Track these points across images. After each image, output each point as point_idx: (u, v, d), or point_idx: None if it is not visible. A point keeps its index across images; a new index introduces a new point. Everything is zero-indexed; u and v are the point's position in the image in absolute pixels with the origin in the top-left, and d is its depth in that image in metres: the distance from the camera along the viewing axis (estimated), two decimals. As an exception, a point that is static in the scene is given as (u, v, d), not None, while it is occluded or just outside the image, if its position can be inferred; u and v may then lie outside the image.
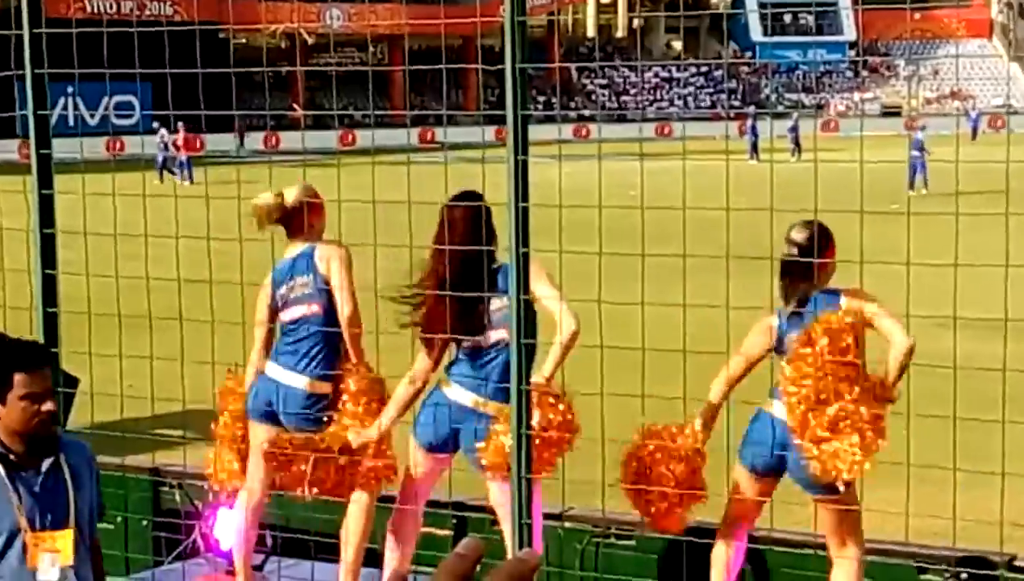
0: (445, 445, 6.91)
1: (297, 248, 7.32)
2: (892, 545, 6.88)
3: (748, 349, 6.64)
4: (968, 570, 6.72)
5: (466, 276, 6.67)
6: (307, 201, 7.27)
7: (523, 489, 6.36)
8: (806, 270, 6.52)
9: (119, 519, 8.54)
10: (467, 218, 6.73)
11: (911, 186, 38.35)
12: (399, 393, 6.96)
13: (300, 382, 7.21)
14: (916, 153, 41.27)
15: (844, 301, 6.42)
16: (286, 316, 7.31)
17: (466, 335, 6.77)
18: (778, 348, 6.59)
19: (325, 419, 7.16)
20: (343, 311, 7.08)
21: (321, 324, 7.19)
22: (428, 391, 6.97)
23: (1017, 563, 6.85)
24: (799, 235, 6.57)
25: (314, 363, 7.21)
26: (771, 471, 6.61)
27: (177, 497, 8.53)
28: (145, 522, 8.52)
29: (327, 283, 7.16)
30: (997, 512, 5.66)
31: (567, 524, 7.60)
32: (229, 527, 7.71)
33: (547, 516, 7.37)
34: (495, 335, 6.74)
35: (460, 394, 6.83)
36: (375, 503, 7.20)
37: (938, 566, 6.64)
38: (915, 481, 5.86)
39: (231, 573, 7.72)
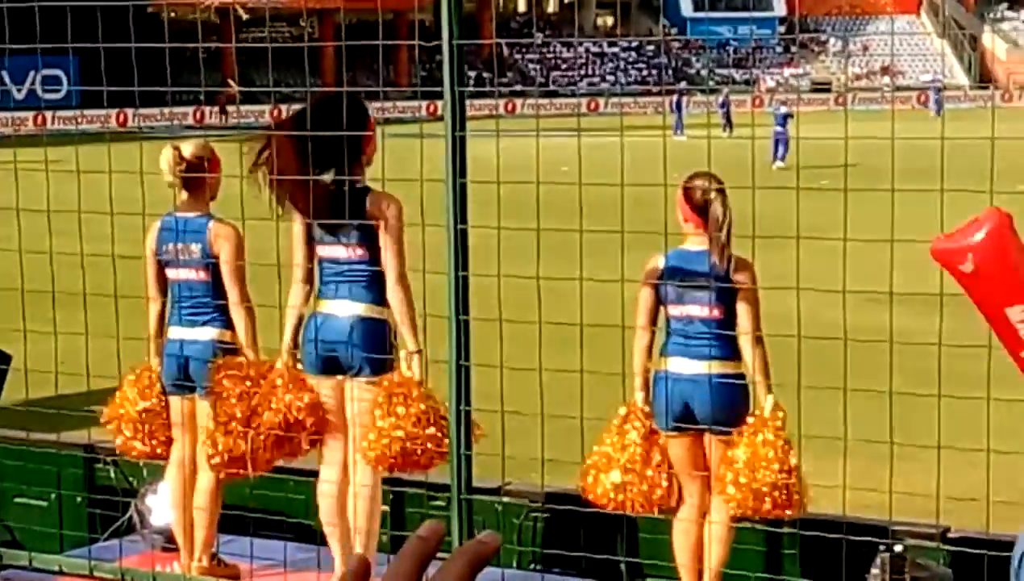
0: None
1: (191, 212, 7.33)
2: (829, 517, 6.93)
3: (645, 310, 6.72)
4: (903, 542, 6.79)
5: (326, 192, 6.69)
6: (205, 156, 7.34)
7: (463, 466, 6.36)
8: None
9: (53, 496, 8.50)
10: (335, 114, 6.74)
11: (775, 160, 38.90)
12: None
13: (206, 334, 7.24)
14: (780, 129, 41.79)
15: (733, 266, 6.61)
16: (173, 274, 7.33)
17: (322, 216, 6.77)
18: (662, 296, 6.68)
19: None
20: (232, 294, 7.13)
21: (209, 290, 7.22)
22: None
23: (951, 535, 6.93)
24: (712, 184, 6.66)
25: (212, 317, 7.26)
26: (688, 421, 6.66)
27: (112, 474, 8.49)
28: (79, 499, 8.47)
29: (216, 258, 7.20)
30: (930, 486, 5.71)
31: (505, 499, 7.62)
32: (164, 503, 7.70)
33: (486, 491, 7.39)
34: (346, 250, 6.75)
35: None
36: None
37: (874, 538, 6.70)
38: (850, 455, 5.91)
39: (168, 550, 7.69)
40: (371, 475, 6.90)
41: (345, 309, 6.80)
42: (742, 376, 6.66)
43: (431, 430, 6.53)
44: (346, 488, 6.96)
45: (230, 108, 59.14)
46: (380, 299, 6.77)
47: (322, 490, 7.05)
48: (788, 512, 6.59)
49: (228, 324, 7.25)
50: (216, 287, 7.24)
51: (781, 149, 40.61)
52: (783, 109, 45.14)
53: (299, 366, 6.98)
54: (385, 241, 6.66)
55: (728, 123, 52.63)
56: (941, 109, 65.63)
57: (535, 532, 7.60)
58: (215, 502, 7.40)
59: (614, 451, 6.66)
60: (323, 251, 6.87)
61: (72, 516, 8.45)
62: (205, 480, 7.36)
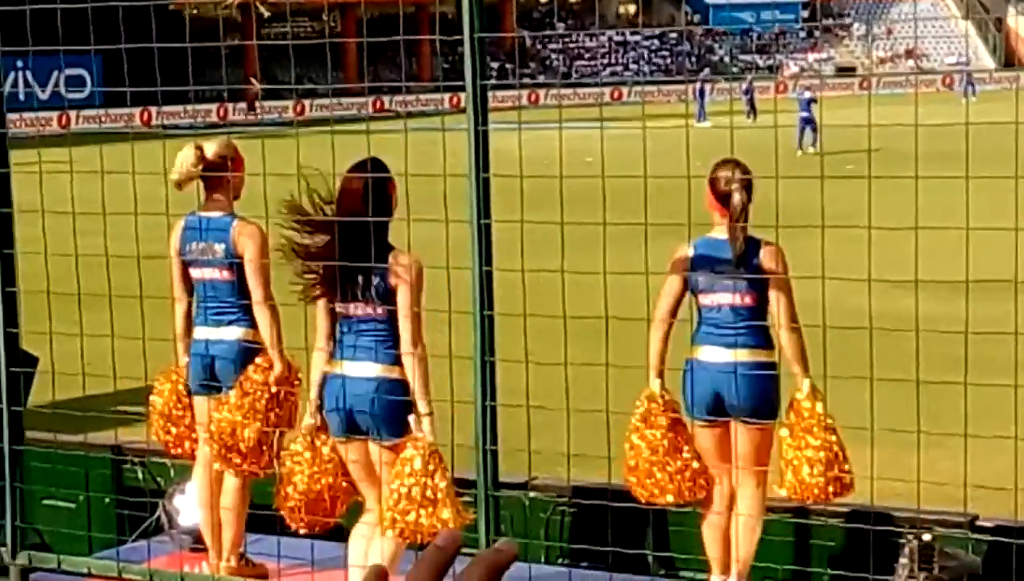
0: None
1: (215, 212, 7.32)
2: (857, 507, 6.91)
3: (670, 296, 6.70)
4: (932, 530, 6.76)
5: (352, 246, 6.64)
6: (228, 155, 7.31)
7: (488, 462, 6.35)
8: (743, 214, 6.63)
9: (81, 497, 8.51)
10: (362, 189, 6.69)
11: (800, 145, 38.65)
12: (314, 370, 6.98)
13: (232, 334, 7.24)
14: (804, 114, 41.58)
15: (762, 254, 6.61)
16: (198, 274, 7.33)
17: (344, 301, 6.75)
18: (692, 285, 6.67)
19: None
20: (255, 294, 7.12)
21: (233, 289, 7.22)
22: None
23: (979, 523, 6.90)
24: (739, 174, 6.64)
25: (238, 317, 7.26)
26: (718, 412, 6.64)
27: (139, 475, 8.50)
28: (107, 500, 8.48)
29: (240, 258, 7.19)
30: (958, 474, 5.68)
31: (532, 493, 7.61)
32: (191, 503, 7.71)
33: (512, 485, 7.38)
34: (365, 308, 6.74)
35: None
36: None
37: (902, 529, 6.67)
38: (878, 444, 5.88)
39: (196, 551, 7.70)
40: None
41: (366, 370, 6.79)
42: (774, 365, 6.63)
43: (446, 513, 6.49)
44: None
45: (257, 104, 59.33)
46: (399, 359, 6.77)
47: (358, 531, 7.03)
48: (839, 495, 6.61)
49: (253, 323, 7.25)
50: (241, 287, 7.23)
51: (810, 134, 40.41)
52: (807, 94, 45.05)
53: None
54: (401, 302, 6.66)
55: (752, 109, 52.53)
56: (975, 91, 65.63)
57: (563, 526, 7.59)
58: (242, 501, 7.40)
59: (641, 446, 6.66)
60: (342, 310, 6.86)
61: (100, 518, 8.47)
62: (232, 480, 7.36)
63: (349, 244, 6.63)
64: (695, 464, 6.69)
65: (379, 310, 6.67)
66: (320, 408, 6.89)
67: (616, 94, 78.83)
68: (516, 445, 6.61)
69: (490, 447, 6.33)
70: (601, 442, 6.39)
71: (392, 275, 6.62)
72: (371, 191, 6.61)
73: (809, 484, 6.51)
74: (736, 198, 6.58)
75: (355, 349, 6.74)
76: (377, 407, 6.65)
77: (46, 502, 8.63)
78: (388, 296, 6.63)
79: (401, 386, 6.67)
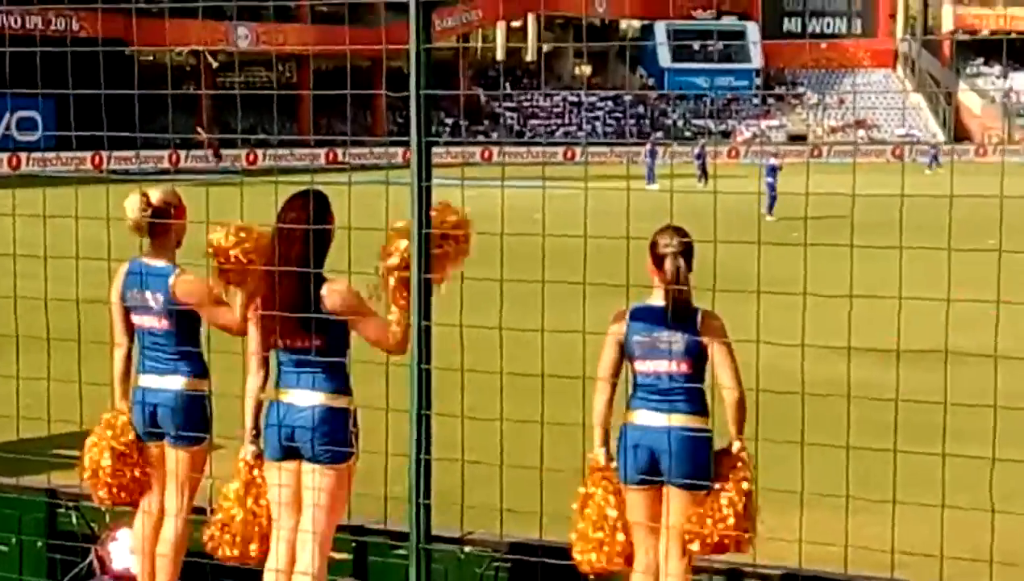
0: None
1: (158, 259, 7.32)
2: (787, 571, 6.94)
3: (608, 365, 6.74)
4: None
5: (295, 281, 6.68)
6: (172, 202, 7.32)
7: (421, 515, 6.35)
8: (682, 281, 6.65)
9: (14, 541, 8.44)
10: (303, 219, 6.72)
11: (769, 211, 39.00)
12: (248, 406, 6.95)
13: (173, 383, 7.23)
14: (769, 180, 42.01)
15: (700, 322, 6.56)
16: (138, 321, 7.32)
17: (291, 352, 6.77)
18: (628, 351, 6.69)
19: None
20: (225, 327, 7.13)
21: (171, 338, 7.23)
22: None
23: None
24: (675, 240, 6.66)
25: (177, 366, 7.26)
26: (651, 474, 6.65)
27: (73, 519, 8.44)
28: (40, 544, 8.42)
29: (180, 304, 7.20)
30: (886, 539, 5.73)
31: (467, 548, 7.60)
32: (124, 549, 7.67)
33: (448, 540, 7.37)
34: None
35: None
36: None
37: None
38: (812, 507, 5.93)
39: (126, 597, 7.66)
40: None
41: (306, 399, 6.79)
42: (708, 431, 6.65)
43: None
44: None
45: (204, 151, 59.20)
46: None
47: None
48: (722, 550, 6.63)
49: (195, 372, 7.24)
50: (180, 335, 7.22)
51: (767, 201, 40.77)
52: (773, 161, 45.40)
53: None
54: (357, 327, 6.69)
55: (703, 173, 52.93)
56: (938, 163, 66.47)
57: (497, 582, 7.58)
58: (179, 551, 7.37)
59: (585, 514, 6.68)
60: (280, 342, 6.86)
61: (32, 562, 8.40)
62: (171, 528, 7.34)
63: (291, 276, 6.65)
64: (620, 536, 6.69)
65: (316, 341, 6.68)
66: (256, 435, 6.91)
67: (569, 154, 79.18)
68: (451, 499, 6.62)
69: (423, 500, 6.34)
70: (536, 498, 6.41)
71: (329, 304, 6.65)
72: (312, 217, 6.66)
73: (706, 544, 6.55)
74: (668, 264, 6.62)
75: (298, 378, 6.76)
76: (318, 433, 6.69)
77: (-23, 545, 8.56)
78: (326, 326, 6.64)
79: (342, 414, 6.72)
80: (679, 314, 6.57)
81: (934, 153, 71.42)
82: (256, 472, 6.93)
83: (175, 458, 7.24)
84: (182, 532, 7.31)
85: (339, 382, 6.74)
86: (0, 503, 8.42)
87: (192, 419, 7.24)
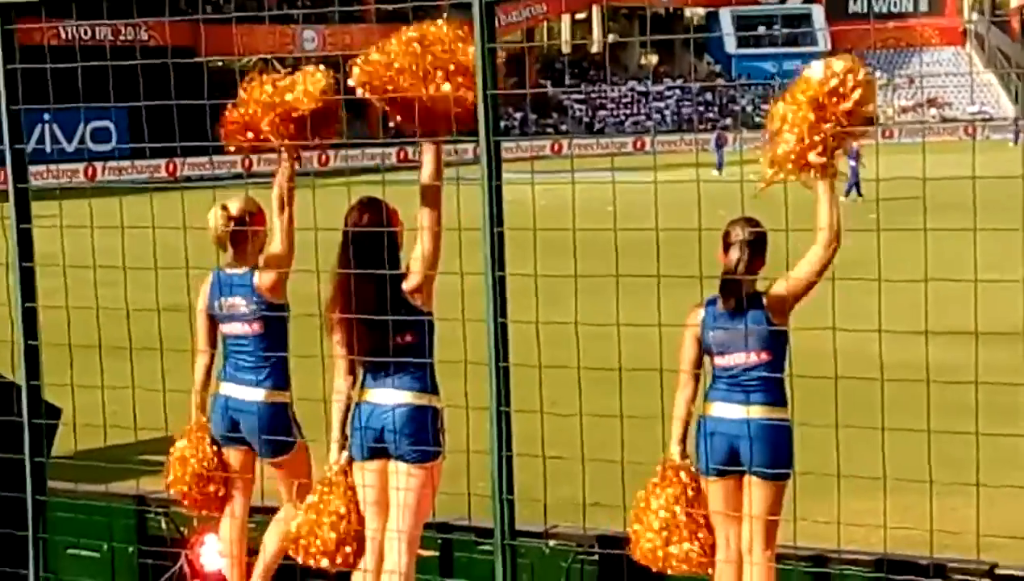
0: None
1: (240, 267, 7.42)
2: (872, 555, 6.92)
3: (687, 362, 6.75)
4: (950, 579, 6.77)
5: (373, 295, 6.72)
6: (251, 210, 7.49)
7: (504, 511, 6.37)
8: (747, 273, 6.62)
9: (105, 547, 8.55)
10: (367, 234, 6.78)
11: (846, 194, 38.62)
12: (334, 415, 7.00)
13: (256, 395, 7.31)
14: (852, 163, 41.62)
15: (765, 301, 6.57)
16: (227, 329, 7.41)
17: (375, 356, 6.81)
18: (705, 345, 6.68)
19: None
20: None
21: (259, 343, 7.29)
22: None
23: (998, 571, 6.89)
24: (743, 231, 6.64)
25: (264, 376, 7.32)
26: (730, 465, 6.64)
27: (163, 524, 8.54)
28: (131, 549, 8.52)
29: (267, 300, 7.29)
30: (976, 521, 5.69)
31: (551, 542, 7.63)
32: (213, 552, 7.76)
33: (531, 534, 7.40)
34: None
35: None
36: None
37: (917, 577, 6.67)
38: (899, 491, 5.90)
39: (217, 600, 7.74)
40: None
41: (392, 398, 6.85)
42: (788, 422, 6.64)
43: None
44: None
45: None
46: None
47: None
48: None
49: (279, 383, 7.32)
50: (270, 340, 7.29)
51: (848, 184, 40.49)
52: (854, 145, 44.97)
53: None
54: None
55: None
56: (1020, 137, 65.85)
57: (583, 575, 7.60)
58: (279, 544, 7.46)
59: (655, 511, 6.69)
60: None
61: (124, 567, 8.51)
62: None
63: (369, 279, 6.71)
64: (701, 534, 6.69)
65: (408, 338, 6.75)
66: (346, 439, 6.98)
67: (639, 144, 78.85)
68: (534, 494, 6.65)
69: (507, 496, 6.37)
70: (618, 491, 6.42)
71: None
72: (383, 221, 6.74)
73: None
74: (731, 253, 6.62)
75: (383, 378, 6.81)
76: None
77: (70, 551, 8.67)
78: (412, 324, 6.70)
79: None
80: (740, 305, 6.56)
81: (1016, 129, 70.71)
82: (348, 476, 6.98)
83: (271, 468, 7.39)
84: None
85: (425, 381, 6.78)
86: (90, 510, 8.53)
87: (278, 429, 7.31)
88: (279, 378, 7.33)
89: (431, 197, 6.69)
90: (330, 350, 6.95)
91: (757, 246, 6.63)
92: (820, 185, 6.26)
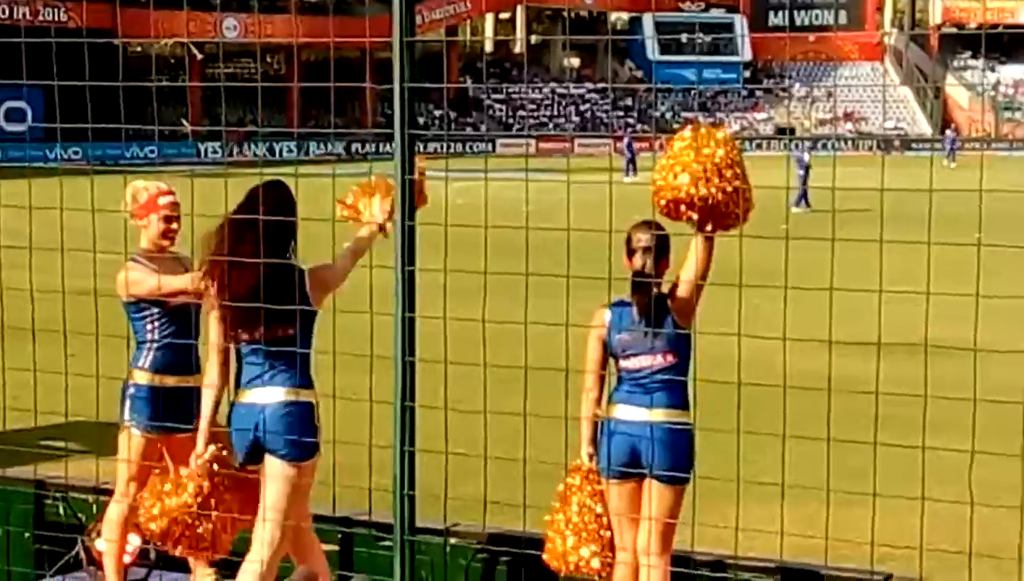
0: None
1: None
2: (767, 562, 6.97)
3: (592, 364, 6.76)
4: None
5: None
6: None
7: (405, 506, 6.37)
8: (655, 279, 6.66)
9: (0, 531, 8.46)
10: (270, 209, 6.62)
11: (796, 205, 38.97)
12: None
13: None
14: (800, 172, 42.05)
15: (670, 305, 6.61)
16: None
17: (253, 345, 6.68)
18: (611, 348, 6.71)
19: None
20: None
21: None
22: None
23: (893, 581, 6.97)
24: (646, 236, 6.67)
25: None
26: (631, 467, 6.66)
27: (60, 510, 8.46)
28: (27, 534, 8.44)
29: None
30: (880, 532, 5.75)
31: (452, 540, 7.63)
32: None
33: (432, 531, 7.40)
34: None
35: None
36: None
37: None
38: (797, 501, 5.95)
39: (112, 587, 7.67)
40: None
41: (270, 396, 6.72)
42: (690, 425, 6.67)
43: None
44: None
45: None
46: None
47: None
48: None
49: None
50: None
51: (797, 193, 40.80)
52: (806, 156, 45.44)
53: None
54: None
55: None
56: (954, 157, 66.96)
57: (483, 574, 7.61)
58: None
59: (565, 514, 6.71)
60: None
61: (19, 552, 8.41)
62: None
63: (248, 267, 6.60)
64: (606, 536, 6.73)
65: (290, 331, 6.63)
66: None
67: (555, 145, 78.80)
68: (436, 491, 6.64)
69: (408, 492, 6.36)
70: (520, 490, 6.43)
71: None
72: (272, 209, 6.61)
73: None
74: (636, 262, 6.66)
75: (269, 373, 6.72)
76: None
77: (-35, 535, 8.58)
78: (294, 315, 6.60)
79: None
80: (647, 308, 6.59)
81: (952, 146, 71.78)
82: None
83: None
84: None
85: (300, 377, 6.68)
86: (-12, 494, 8.44)
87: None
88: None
89: (351, 259, 6.68)
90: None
91: (660, 250, 6.67)
92: (698, 239, 6.38)
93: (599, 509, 6.74)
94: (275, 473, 6.62)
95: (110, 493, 7.61)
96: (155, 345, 7.34)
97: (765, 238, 5.82)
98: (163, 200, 7.50)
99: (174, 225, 7.49)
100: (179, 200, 7.52)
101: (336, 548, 7.69)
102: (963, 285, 5.45)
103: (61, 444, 8.10)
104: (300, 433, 6.59)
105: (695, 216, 6.27)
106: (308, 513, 6.98)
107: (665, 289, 6.66)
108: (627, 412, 6.65)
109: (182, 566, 7.63)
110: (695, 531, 6.61)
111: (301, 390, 6.64)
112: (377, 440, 6.43)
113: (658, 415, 6.59)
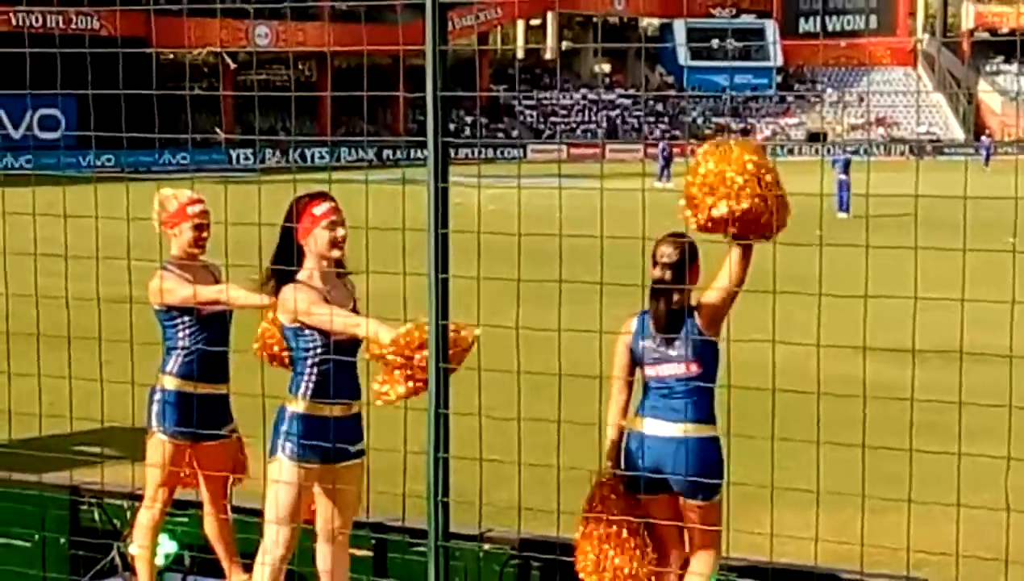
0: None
1: None
2: (801, 568, 6.96)
3: (619, 370, 6.75)
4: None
5: None
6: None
7: (439, 512, 6.37)
8: (675, 290, 6.62)
9: (36, 537, 8.49)
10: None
11: (845, 211, 38.67)
12: None
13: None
14: (843, 177, 41.77)
15: (697, 317, 6.56)
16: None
17: None
18: (636, 357, 6.69)
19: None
20: None
21: None
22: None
23: (927, 588, 6.95)
24: (670, 250, 6.64)
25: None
26: (660, 483, 6.64)
27: (96, 515, 8.49)
28: (63, 540, 8.47)
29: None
30: (917, 537, 5.73)
31: (486, 546, 7.63)
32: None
33: (466, 537, 7.40)
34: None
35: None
36: None
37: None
38: (831, 507, 5.93)
39: (148, 593, 7.70)
40: None
41: None
42: (717, 436, 6.63)
43: None
44: None
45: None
46: None
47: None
48: None
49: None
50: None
51: (844, 197, 40.53)
52: (843, 156, 45.21)
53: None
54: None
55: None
56: (988, 159, 66.69)
57: (516, 579, 7.61)
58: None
59: (598, 524, 6.70)
60: None
61: (55, 558, 8.45)
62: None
63: None
64: (637, 547, 6.70)
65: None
66: None
67: (588, 152, 78.81)
68: (470, 497, 6.66)
69: (442, 498, 6.37)
70: (554, 496, 6.44)
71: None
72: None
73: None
74: (657, 273, 6.63)
75: None
76: None
77: (1, 540, 8.62)
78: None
79: None
80: (670, 316, 6.56)
81: (987, 151, 71.55)
82: None
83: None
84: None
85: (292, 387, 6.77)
86: (23, 499, 8.47)
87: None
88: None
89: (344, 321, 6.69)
90: None
91: (682, 265, 6.61)
92: (735, 250, 6.35)
93: (627, 520, 6.71)
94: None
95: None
96: (185, 352, 7.37)
97: (799, 245, 5.80)
98: (192, 209, 7.51)
99: (204, 233, 7.52)
100: (209, 208, 7.54)
101: (370, 554, 7.70)
102: (999, 291, 5.44)
103: (96, 450, 8.12)
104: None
105: (734, 230, 6.24)
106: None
107: (695, 297, 6.64)
108: (654, 427, 6.60)
109: (217, 571, 7.66)
110: (730, 537, 6.59)
111: None
112: (411, 446, 6.44)
113: (686, 431, 6.54)
